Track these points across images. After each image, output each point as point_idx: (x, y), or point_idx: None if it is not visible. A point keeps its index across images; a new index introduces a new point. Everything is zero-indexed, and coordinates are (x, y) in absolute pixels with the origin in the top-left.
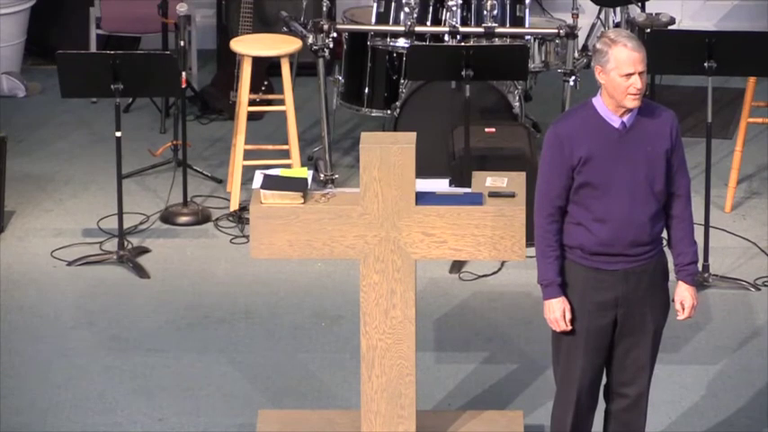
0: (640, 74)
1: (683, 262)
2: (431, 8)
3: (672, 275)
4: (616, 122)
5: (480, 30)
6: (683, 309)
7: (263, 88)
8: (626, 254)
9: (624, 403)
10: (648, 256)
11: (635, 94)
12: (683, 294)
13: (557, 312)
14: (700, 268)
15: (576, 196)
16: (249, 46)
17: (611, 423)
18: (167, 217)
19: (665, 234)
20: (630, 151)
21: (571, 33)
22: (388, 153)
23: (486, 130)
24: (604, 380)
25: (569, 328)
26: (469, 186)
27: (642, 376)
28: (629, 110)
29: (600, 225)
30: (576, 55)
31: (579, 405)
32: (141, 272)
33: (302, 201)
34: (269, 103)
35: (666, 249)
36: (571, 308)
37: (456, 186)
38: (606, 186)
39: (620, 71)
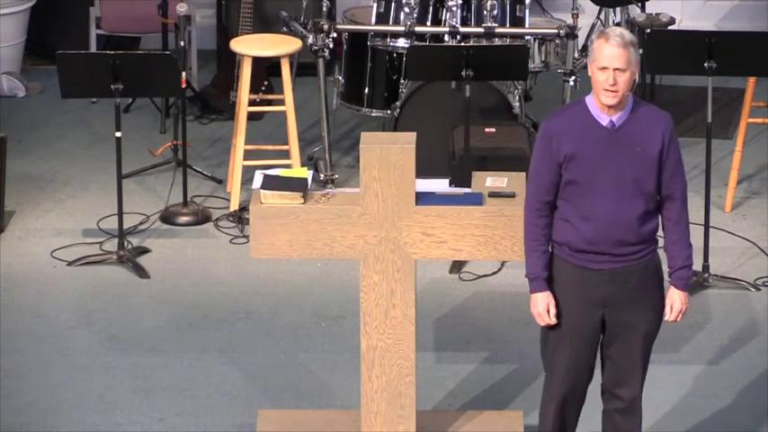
0: (616, 70)
1: (675, 266)
2: (431, 8)
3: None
4: (605, 121)
5: (480, 30)
6: (671, 312)
7: (263, 88)
8: (612, 253)
9: (618, 405)
10: (636, 256)
11: (608, 90)
12: (672, 298)
13: (540, 306)
14: (700, 269)
15: (563, 193)
16: (249, 46)
17: (608, 424)
18: (167, 217)
19: (661, 234)
20: (618, 150)
21: (571, 33)
22: (388, 153)
23: (486, 130)
24: (600, 379)
25: (553, 322)
26: (469, 186)
27: (634, 378)
28: (613, 107)
29: (585, 223)
30: (576, 55)
31: (563, 400)
32: (141, 272)
33: (302, 201)
34: (269, 103)
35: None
36: (557, 303)
37: (456, 186)
38: (591, 184)
39: (597, 64)
